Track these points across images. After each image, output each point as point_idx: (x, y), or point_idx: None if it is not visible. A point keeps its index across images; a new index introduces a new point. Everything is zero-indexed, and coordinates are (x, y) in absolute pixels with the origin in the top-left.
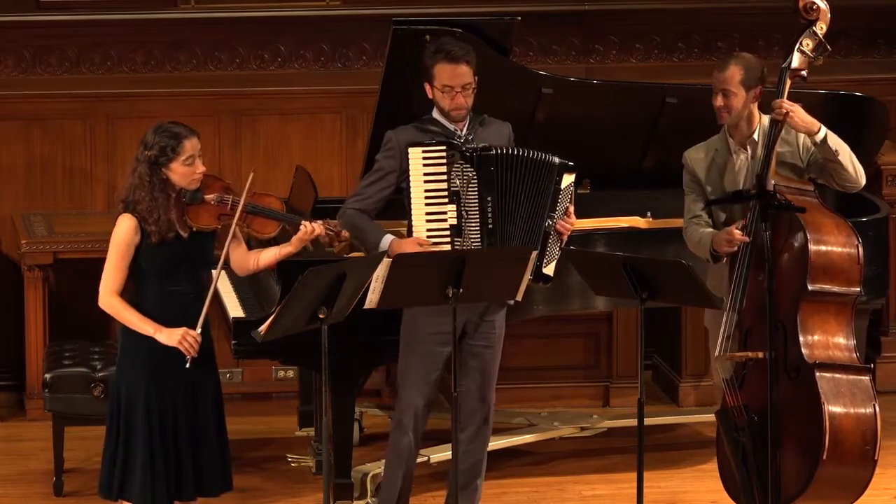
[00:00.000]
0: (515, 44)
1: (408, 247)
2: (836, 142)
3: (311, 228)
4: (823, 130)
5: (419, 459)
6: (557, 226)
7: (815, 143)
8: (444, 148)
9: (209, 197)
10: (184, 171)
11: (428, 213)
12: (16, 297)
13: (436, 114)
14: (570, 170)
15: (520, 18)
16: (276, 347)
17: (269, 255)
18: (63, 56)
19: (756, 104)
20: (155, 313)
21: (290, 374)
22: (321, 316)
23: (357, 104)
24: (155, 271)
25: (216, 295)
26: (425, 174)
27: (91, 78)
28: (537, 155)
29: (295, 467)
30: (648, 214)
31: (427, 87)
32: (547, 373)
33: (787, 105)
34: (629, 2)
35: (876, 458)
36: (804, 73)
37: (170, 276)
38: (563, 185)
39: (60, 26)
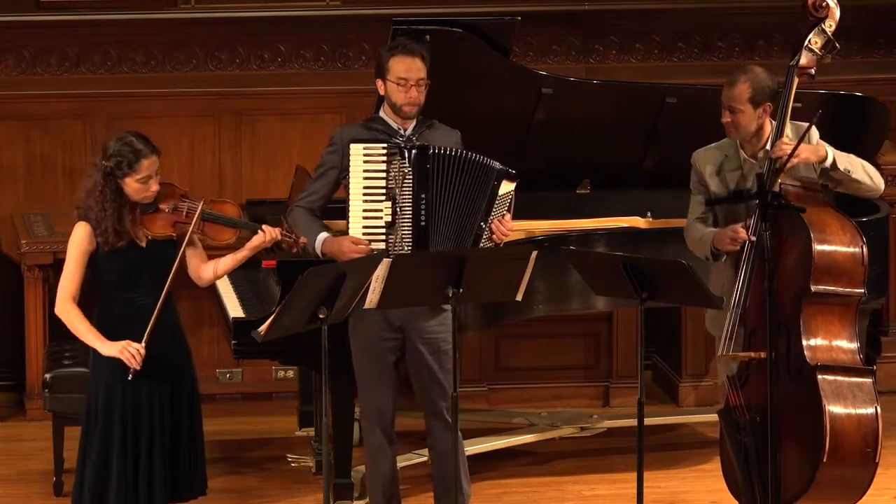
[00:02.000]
0: (515, 44)
1: (339, 245)
2: (845, 162)
3: (265, 236)
4: (830, 156)
5: (419, 460)
6: (493, 225)
7: (825, 171)
8: (384, 146)
9: (164, 205)
10: (137, 188)
11: (365, 211)
12: (16, 297)
13: (383, 112)
14: (510, 177)
15: (520, 18)
16: (276, 347)
17: (225, 264)
18: (63, 56)
19: (765, 119)
20: (116, 323)
21: (290, 374)
22: (321, 316)
23: (357, 104)
24: (114, 280)
25: (216, 295)
26: (365, 171)
27: (91, 78)
28: (476, 157)
29: (295, 467)
30: (648, 214)
31: (379, 82)
32: (547, 373)
33: (785, 148)
34: (629, 2)
35: (877, 460)
36: (812, 71)
37: (130, 286)
38: (501, 191)
39: (60, 26)
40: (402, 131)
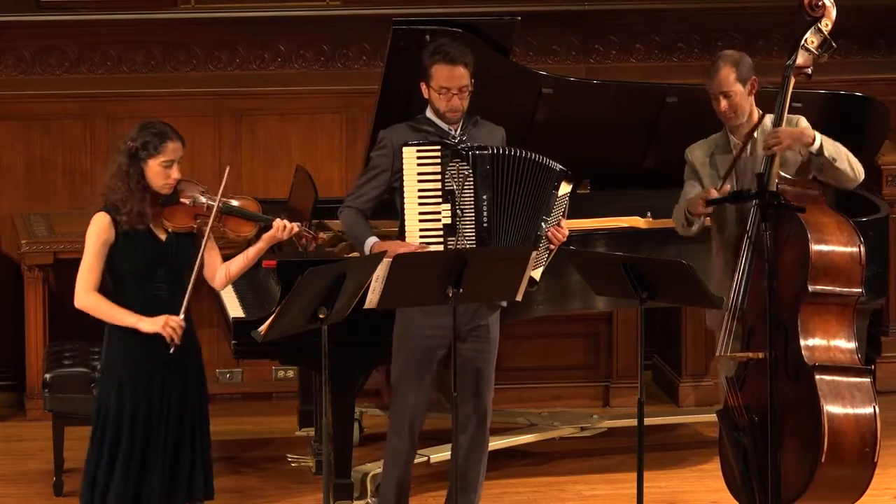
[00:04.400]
0: (515, 44)
1: (387, 248)
2: (831, 150)
3: (283, 226)
4: (818, 140)
5: (419, 460)
6: (549, 233)
7: (811, 156)
8: (438, 147)
9: (185, 198)
10: (159, 172)
11: (421, 213)
12: (16, 297)
13: (429, 113)
14: (569, 178)
15: (520, 18)
16: (276, 347)
17: (239, 260)
18: (63, 56)
19: (753, 99)
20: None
21: (290, 374)
22: (321, 316)
23: (357, 104)
24: (133, 273)
25: (216, 295)
26: (419, 174)
27: (91, 78)
28: (536, 157)
29: (295, 467)
30: (648, 214)
31: (423, 86)
32: (547, 373)
33: (772, 139)
34: (629, 2)
35: (876, 459)
36: (809, 70)
37: (149, 279)
38: (560, 193)
39: (60, 26)
40: (452, 132)
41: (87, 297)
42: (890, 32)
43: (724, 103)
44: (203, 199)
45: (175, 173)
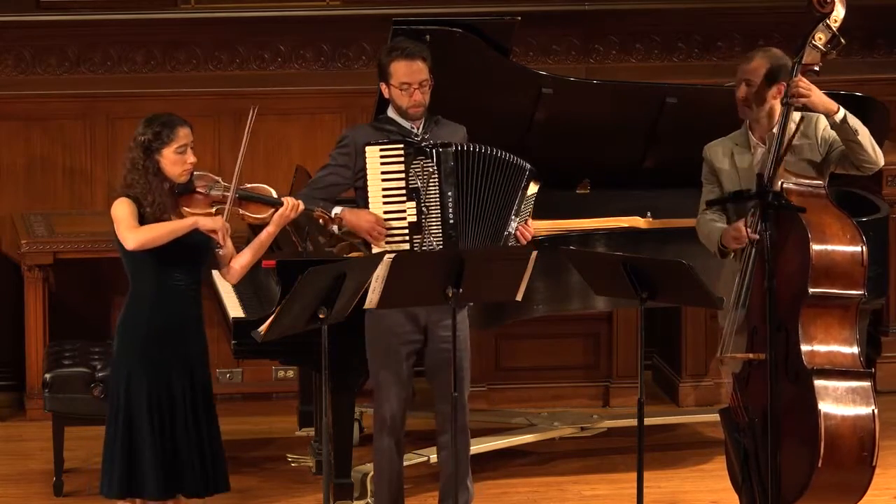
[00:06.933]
0: (515, 44)
1: (361, 218)
2: (855, 122)
3: (293, 204)
4: (842, 111)
5: (419, 460)
6: (517, 233)
7: (834, 124)
8: (401, 146)
9: (200, 187)
10: (174, 160)
11: (386, 213)
12: (16, 297)
13: (391, 113)
14: (537, 178)
15: (520, 18)
16: (276, 347)
17: (247, 250)
18: (63, 56)
19: (777, 100)
20: (152, 306)
21: (290, 374)
22: (321, 316)
23: (357, 104)
24: (152, 261)
25: (217, 295)
26: (383, 173)
27: (91, 78)
28: (502, 154)
29: (295, 467)
30: (648, 214)
31: (383, 86)
32: (547, 373)
33: (804, 85)
34: (629, 2)
35: (874, 463)
36: (817, 67)
37: (168, 268)
38: (528, 192)
39: (60, 26)
40: (415, 130)
41: (135, 232)
42: (890, 32)
43: (743, 90)
44: (219, 186)
45: (190, 157)
